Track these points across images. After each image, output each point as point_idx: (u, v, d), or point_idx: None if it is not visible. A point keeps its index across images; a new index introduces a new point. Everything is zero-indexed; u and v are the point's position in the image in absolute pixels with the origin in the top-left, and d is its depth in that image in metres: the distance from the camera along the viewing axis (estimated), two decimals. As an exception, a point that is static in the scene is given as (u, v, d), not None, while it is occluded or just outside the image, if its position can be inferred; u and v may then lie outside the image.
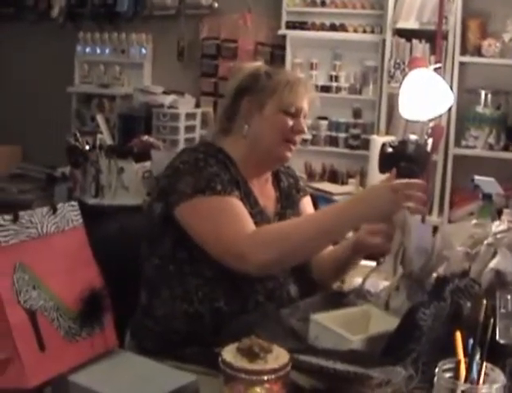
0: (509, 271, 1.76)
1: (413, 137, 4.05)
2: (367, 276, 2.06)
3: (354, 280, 2.34)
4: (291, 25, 6.11)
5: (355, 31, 5.98)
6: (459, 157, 5.53)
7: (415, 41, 5.64)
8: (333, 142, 6.15)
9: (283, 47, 6.13)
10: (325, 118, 6.09)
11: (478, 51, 5.47)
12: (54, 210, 1.62)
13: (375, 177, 2.78)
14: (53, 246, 1.60)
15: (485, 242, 1.90)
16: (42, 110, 6.88)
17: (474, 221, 2.13)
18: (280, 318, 1.82)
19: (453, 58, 5.46)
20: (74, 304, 1.59)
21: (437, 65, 4.71)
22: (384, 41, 5.76)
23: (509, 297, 1.64)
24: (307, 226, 2.01)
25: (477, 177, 3.15)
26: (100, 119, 5.75)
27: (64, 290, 1.58)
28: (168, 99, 6.11)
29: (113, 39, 6.80)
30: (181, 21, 6.55)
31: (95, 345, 1.62)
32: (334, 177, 6.05)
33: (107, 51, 6.84)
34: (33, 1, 6.95)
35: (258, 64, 2.30)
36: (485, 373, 1.27)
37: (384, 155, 2.91)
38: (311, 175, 6.09)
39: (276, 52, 6.27)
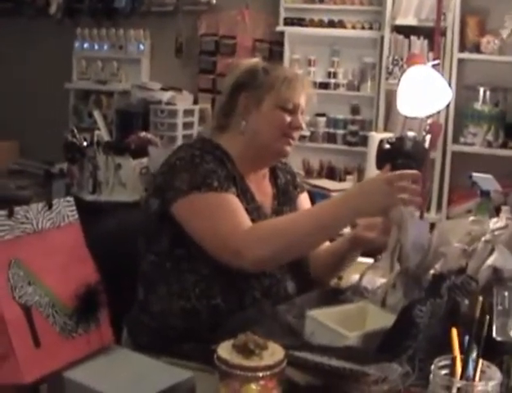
0: (507, 268, 1.76)
1: (411, 133, 4.06)
2: (364, 273, 2.06)
3: (351, 277, 2.33)
4: (289, 22, 6.10)
5: (353, 28, 5.97)
6: (457, 154, 5.52)
7: (413, 37, 5.63)
8: (331, 138, 6.14)
9: (281, 44, 6.12)
10: (323, 114, 6.08)
11: (476, 48, 5.46)
12: (49, 205, 1.62)
13: (373, 174, 2.77)
14: (49, 241, 1.60)
15: (482, 239, 1.90)
16: (39, 106, 6.87)
17: (472, 218, 2.13)
18: (277, 315, 1.81)
19: (451, 55, 5.45)
20: (69, 300, 1.58)
21: (436, 62, 4.71)
22: (382, 37, 5.75)
23: (506, 294, 1.64)
24: (303, 221, 2.00)
25: (475, 174, 3.16)
26: (97, 115, 5.74)
27: (59, 286, 1.57)
28: (166, 95, 6.11)
29: (111, 35, 6.79)
30: (180, 17, 6.54)
31: (91, 342, 1.61)
32: (331, 173, 6.05)
33: (105, 47, 6.83)
34: (31, -4, 6.94)
35: (255, 60, 2.30)
36: (481, 370, 1.27)
37: (381, 151, 2.90)
38: (308, 172, 6.08)
39: (274, 49, 6.26)
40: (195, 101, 6.44)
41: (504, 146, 5.44)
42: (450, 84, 4.99)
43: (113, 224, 2.51)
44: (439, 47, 5.26)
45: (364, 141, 5.59)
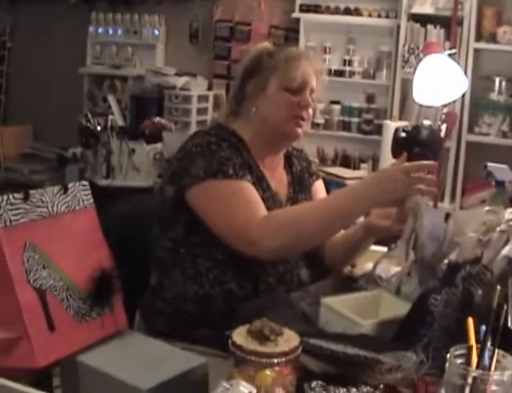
0: (522, 258, 1.75)
1: (426, 122, 4.04)
2: (378, 261, 2.05)
3: (365, 265, 2.33)
4: (305, 8, 6.07)
5: (369, 15, 5.94)
6: (472, 144, 5.50)
7: (429, 26, 5.60)
8: (345, 126, 6.13)
9: (297, 31, 6.09)
10: (337, 102, 6.07)
11: (493, 38, 5.43)
12: (65, 189, 1.61)
13: (387, 162, 2.76)
14: (64, 225, 1.59)
15: (497, 229, 1.89)
16: (53, 91, 6.86)
17: (487, 208, 2.12)
18: (291, 302, 1.81)
19: (468, 44, 5.42)
20: (83, 284, 1.58)
21: (452, 51, 4.69)
22: (398, 26, 5.73)
23: (521, 285, 1.63)
24: (319, 211, 1.99)
25: (490, 164, 3.14)
26: (111, 100, 5.75)
27: (74, 270, 1.57)
28: (181, 81, 6.10)
29: (125, 20, 6.78)
30: (195, 3, 6.52)
31: (104, 326, 1.61)
32: (346, 162, 6.03)
33: (119, 32, 6.82)
34: (47, -19, 6.93)
35: (263, 44, 2.26)
36: (497, 360, 1.26)
37: (397, 140, 2.89)
38: (323, 160, 6.07)
39: (289, 36, 6.22)
40: (210, 87, 6.43)
41: (519, 136, 5.42)
42: (466, 74, 4.96)
43: (126, 209, 2.51)
44: (455, 37, 5.24)
45: (378, 129, 5.57)
